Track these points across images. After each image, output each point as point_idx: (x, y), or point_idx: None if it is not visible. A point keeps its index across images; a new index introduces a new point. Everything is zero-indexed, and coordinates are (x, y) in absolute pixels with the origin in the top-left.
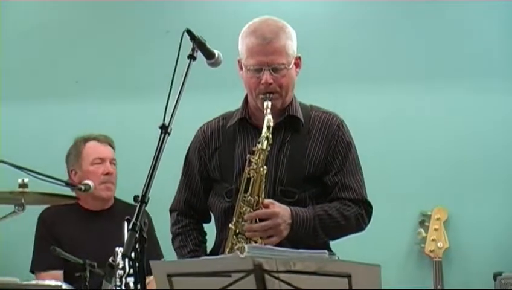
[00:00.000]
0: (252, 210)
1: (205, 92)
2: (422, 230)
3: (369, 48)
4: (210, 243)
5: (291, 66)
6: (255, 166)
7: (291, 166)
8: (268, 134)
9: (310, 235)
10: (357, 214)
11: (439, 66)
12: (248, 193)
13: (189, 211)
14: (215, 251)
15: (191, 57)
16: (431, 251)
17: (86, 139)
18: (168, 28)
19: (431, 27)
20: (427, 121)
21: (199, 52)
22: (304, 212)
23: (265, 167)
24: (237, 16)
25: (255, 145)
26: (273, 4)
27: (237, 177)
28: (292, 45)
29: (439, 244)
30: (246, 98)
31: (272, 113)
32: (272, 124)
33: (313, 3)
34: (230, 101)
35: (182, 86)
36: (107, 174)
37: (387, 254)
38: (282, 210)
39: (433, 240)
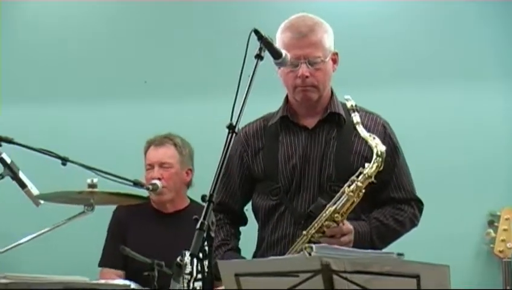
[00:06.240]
0: (335, 225)
1: (270, 92)
2: (491, 230)
3: (422, 47)
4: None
5: (327, 60)
6: (355, 188)
7: (339, 162)
8: (379, 162)
9: (366, 247)
10: (411, 216)
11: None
12: (337, 209)
13: (223, 210)
14: (258, 250)
15: (258, 57)
16: (500, 251)
17: (148, 145)
18: (236, 28)
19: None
20: (495, 120)
21: (266, 52)
22: (362, 228)
23: (363, 190)
24: None
25: (298, 144)
26: (337, 4)
27: (282, 175)
28: (328, 40)
29: (509, 244)
30: (286, 96)
31: (312, 108)
32: (382, 150)
33: (373, 3)
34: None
35: (249, 85)
36: (154, 179)
37: (456, 254)
38: (353, 227)
39: (502, 240)
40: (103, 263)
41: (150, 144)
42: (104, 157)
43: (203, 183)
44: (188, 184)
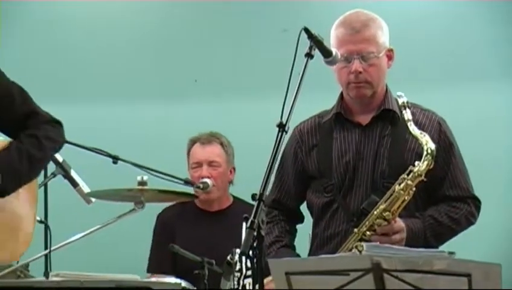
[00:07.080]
0: (386, 223)
1: (319, 91)
2: None
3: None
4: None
5: (381, 55)
6: (405, 187)
7: (393, 159)
8: (429, 160)
9: (420, 245)
10: (467, 214)
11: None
12: (387, 207)
13: (278, 207)
14: (312, 247)
15: (309, 55)
16: None
17: (192, 142)
18: (285, 26)
19: None
20: None
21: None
22: (415, 225)
23: (414, 189)
24: None
25: (352, 140)
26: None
27: (336, 172)
28: (382, 36)
29: None
30: (341, 93)
31: (366, 105)
32: (432, 147)
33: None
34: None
35: (300, 84)
36: (203, 178)
37: (506, 252)
38: (405, 225)
39: None
40: (152, 269)
41: (195, 141)
42: (154, 156)
43: (246, 181)
44: (231, 182)
